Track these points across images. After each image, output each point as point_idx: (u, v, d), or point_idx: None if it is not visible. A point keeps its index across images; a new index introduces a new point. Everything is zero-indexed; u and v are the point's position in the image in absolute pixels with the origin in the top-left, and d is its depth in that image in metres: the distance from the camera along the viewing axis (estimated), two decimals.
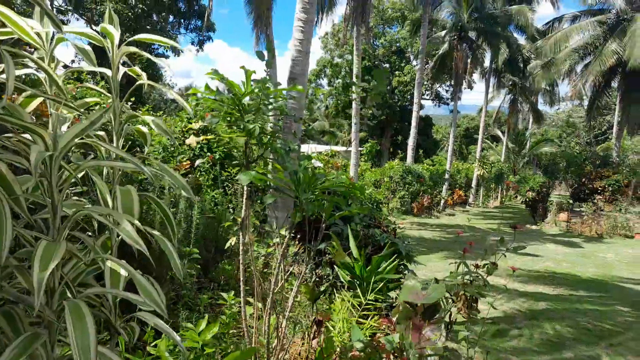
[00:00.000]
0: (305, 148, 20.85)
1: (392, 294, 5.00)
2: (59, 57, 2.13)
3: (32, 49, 2.08)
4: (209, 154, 6.89)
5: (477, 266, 4.63)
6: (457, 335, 3.97)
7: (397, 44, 40.53)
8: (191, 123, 7.13)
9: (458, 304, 4.59)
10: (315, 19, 14.67)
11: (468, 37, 22.88)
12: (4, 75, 1.84)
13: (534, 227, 17.22)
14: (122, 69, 2.16)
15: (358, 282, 4.43)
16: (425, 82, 37.16)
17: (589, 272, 9.32)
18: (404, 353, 3.42)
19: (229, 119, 2.94)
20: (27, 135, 1.75)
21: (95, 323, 1.55)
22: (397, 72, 39.52)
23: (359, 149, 19.27)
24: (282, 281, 3.40)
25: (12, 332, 1.64)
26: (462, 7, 22.62)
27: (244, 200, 3.15)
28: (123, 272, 1.88)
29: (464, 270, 4.45)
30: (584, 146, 29.50)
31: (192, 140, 4.01)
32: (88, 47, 2.19)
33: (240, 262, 3.11)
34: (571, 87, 23.75)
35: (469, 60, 23.11)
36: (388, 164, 21.82)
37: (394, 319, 3.87)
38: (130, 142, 6.11)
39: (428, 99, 45.26)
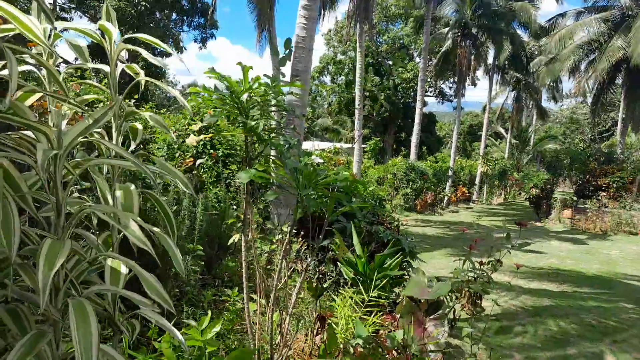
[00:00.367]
0: (309, 145, 20.85)
1: (396, 289, 5.01)
2: (63, 54, 2.13)
3: (32, 46, 2.08)
4: (212, 151, 6.90)
5: (481, 263, 4.63)
6: (461, 332, 3.97)
7: (401, 41, 40.40)
8: (194, 121, 7.14)
9: (462, 301, 4.59)
10: (318, 16, 14.68)
11: (471, 34, 22.80)
12: (4, 72, 1.85)
13: (537, 224, 17.18)
14: (121, 66, 2.16)
15: (361, 279, 4.43)
16: (429, 79, 37.11)
17: (593, 269, 9.29)
18: (407, 349, 3.43)
19: (229, 116, 2.94)
20: (28, 132, 1.75)
21: (98, 321, 1.56)
22: (400, 69, 39.41)
23: (362, 146, 19.27)
24: (285, 278, 3.40)
25: (19, 330, 1.65)
26: (465, 4, 22.55)
27: (246, 197, 3.16)
28: (124, 270, 1.88)
29: (468, 267, 4.44)
30: (588, 143, 29.39)
31: (192, 139, 4.01)
32: (83, 44, 2.19)
33: (243, 258, 3.12)
34: (575, 83, 23.66)
35: (472, 57, 23.03)
36: (391, 161, 21.80)
37: (398, 316, 3.87)
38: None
39: (431, 96, 45.14)
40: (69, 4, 23.80)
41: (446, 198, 21.92)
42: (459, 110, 24.97)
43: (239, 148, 7.28)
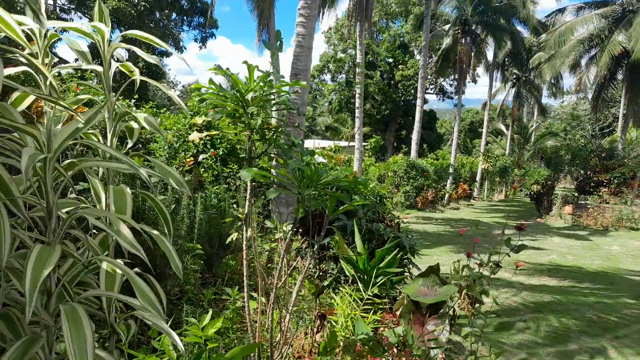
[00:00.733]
0: (309, 143, 20.86)
1: (397, 287, 5.01)
2: (63, 56, 2.12)
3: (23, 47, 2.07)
4: (212, 149, 6.91)
5: (480, 265, 4.61)
6: (461, 329, 3.97)
7: (401, 39, 40.37)
8: (193, 116, 7.14)
9: (462, 304, 4.59)
10: (318, 14, 14.66)
11: (472, 31, 22.76)
12: None
13: (539, 220, 17.17)
14: (114, 65, 2.11)
15: (361, 276, 4.44)
16: (429, 77, 37.07)
17: (594, 265, 9.29)
18: (407, 347, 3.44)
19: (232, 114, 2.94)
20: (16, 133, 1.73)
21: (93, 323, 1.54)
22: (400, 66, 39.39)
23: (363, 143, 19.27)
24: (286, 276, 3.41)
25: (12, 335, 1.64)
26: (465, 0, 22.51)
27: (247, 195, 3.16)
28: (119, 272, 1.86)
29: (467, 272, 4.43)
30: (589, 139, 29.33)
31: (195, 136, 3.97)
32: (83, 45, 2.17)
33: (243, 257, 3.12)
34: (576, 79, 23.60)
35: (472, 54, 22.99)
36: (392, 159, 21.79)
37: (397, 313, 3.88)
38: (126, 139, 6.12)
39: (432, 93, 45.12)
40: (68, 5, 23.80)
41: (447, 195, 21.90)
42: (460, 107, 24.94)
43: (238, 147, 7.29)
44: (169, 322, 1.92)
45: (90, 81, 7.14)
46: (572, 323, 5.60)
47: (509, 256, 4.16)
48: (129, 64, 2.16)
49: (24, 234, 1.70)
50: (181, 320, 3.30)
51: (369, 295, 4.02)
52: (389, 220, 6.05)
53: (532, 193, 18.96)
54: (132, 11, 22.76)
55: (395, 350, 3.34)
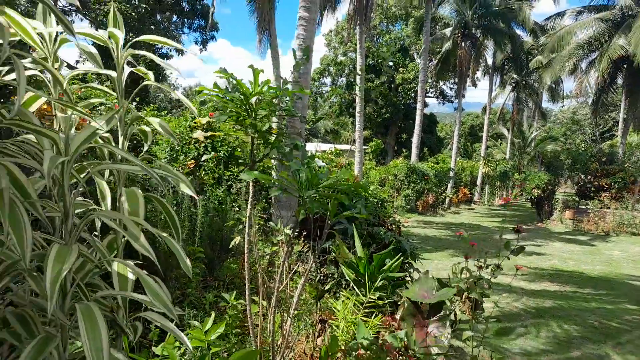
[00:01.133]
0: (310, 147, 20.86)
1: (398, 290, 4.99)
2: (62, 57, 2.12)
3: (33, 50, 2.08)
4: (213, 152, 6.90)
5: (480, 267, 4.60)
6: (462, 333, 3.96)
7: (401, 42, 40.46)
8: (195, 118, 7.14)
9: (463, 307, 4.56)
10: (318, 17, 14.68)
11: (471, 35, 22.81)
12: (7, 77, 1.85)
13: (539, 224, 17.15)
14: (127, 70, 2.14)
15: (362, 280, 4.42)
16: (430, 80, 37.12)
17: (595, 270, 9.28)
18: (409, 351, 3.42)
19: (236, 118, 2.94)
20: (30, 136, 1.74)
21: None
22: (401, 69, 39.45)
23: (364, 147, 19.27)
24: (287, 279, 3.39)
25: (27, 334, 1.65)
26: (465, 4, 22.57)
27: (249, 198, 3.15)
28: (130, 275, 1.88)
29: (467, 275, 4.41)
30: (590, 143, 29.34)
31: (199, 134, 3.98)
32: (94, 49, 2.18)
33: (245, 260, 3.11)
34: (576, 83, 23.62)
35: (472, 58, 23.04)
36: (392, 162, 21.81)
37: (398, 317, 3.86)
38: (135, 142, 6.12)
39: (432, 97, 45.17)
40: (69, 7, 23.84)
41: (447, 199, 21.90)
42: (460, 111, 24.96)
43: (239, 150, 7.28)
44: (173, 324, 1.92)
45: (92, 83, 7.14)
46: (573, 329, 5.57)
47: (509, 259, 4.16)
48: (142, 68, 2.17)
49: (40, 236, 1.72)
50: (183, 324, 3.29)
51: (370, 299, 4.01)
52: (389, 224, 6.04)
53: (532, 197, 18.95)
54: (133, 14, 22.80)
55: (396, 354, 3.32)
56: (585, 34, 21.30)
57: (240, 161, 6.73)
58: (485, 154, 26.89)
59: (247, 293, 3.09)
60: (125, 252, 2.13)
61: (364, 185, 3.00)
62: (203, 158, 5.05)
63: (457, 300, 4.22)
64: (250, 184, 3.02)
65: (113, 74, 2.08)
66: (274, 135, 3.06)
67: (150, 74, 2.23)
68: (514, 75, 28.40)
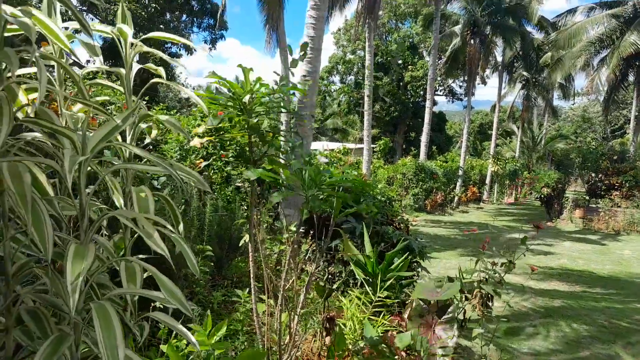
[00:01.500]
0: (318, 146, 20.86)
1: (406, 290, 4.99)
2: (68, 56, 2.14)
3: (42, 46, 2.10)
4: (221, 152, 6.93)
5: (493, 264, 4.58)
6: (471, 333, 3.95)
7: (410, 40, 40.28)
8: (199, 126, 7.17)
9: (473, 301, 4.54)
10: (327, 16, 14.66)
11: (481, 32, 22.64)
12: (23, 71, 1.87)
13: (549, 224, 17.03)
14: (136, 67, 2.15)
15: (370, 280, 4.43)
16: (439, 78, 36.95)
17: (605, 269, 9.19)
18: (416, 351, 3.42)
19: (230, 118, 2.97)
20: (36, 134, 1.76)
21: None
22: (410, 67, 39.27)
23: (372, 145, 19.23)
24: (294, 278, 3.41)
25: (40, 332, 1.68)
26: (475, 1, 22.42)
27: (251, 198, 3.18)
28: (139, 275, 1.90)
29: (480, 267, 4.40)
30: (601, 141, 29.03)
31: (196, 142, 4.01)
32: (96, 43, 2.21)
33: (250, 259, 3.13)
34: (588, 80, 23.37)
35: (481, 55, 22.88)
36: (401, 161, 21.73)
37: (406, 316, 3.86)
38: (137, 140, 6.16)
39: (441, 95, 44.96)
40: (80, 7, 24.03)
41: (456, 198, 21.79)
42: (469, 109, 24.81)
43: (247, 149, 7.30)
44: (179, 322, 1.93)
45: (99, 80, 7.20)
46: (582, 328, 5.54)
47: (524, 255, 4.14)
48: (152, 65, 2.19)
49: (59, 235, 1.75)
50: (191, 320, 3.31)
51: (378, 298, 4.01)
52: (397, 223, 6.03)
53: (542, 196, 18.80)
54: (143, 13, 22.92)
55: (403, 354, 3.33)
56: (596, 31, 21.07)
57: (241, 160, 6.75)
58: (494, 152, 26.71)
59: (253, 291, 3.11)
60: (132, 254, 2.15)
61: (370, 184, 3.00)
62: (211, 160, 5.09)
63: (467, 298, 4.21)
64: (253, 180, 3.04)
65: (122, 71, 2.09)
66: (272, 134, 3.08)
67: (161, 69, 2.23)
68: (524, 73, 28.17)
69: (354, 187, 2.77)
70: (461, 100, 44.05)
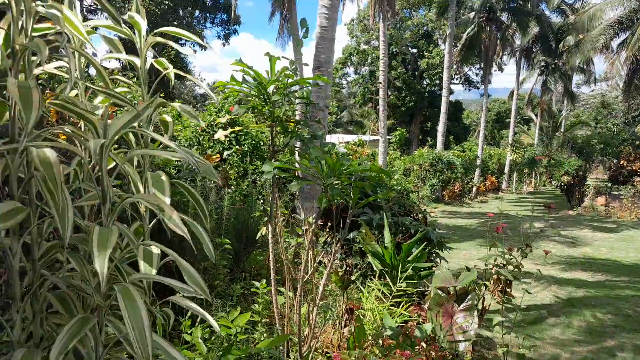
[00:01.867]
0: (334, 138, 20.80)
1: (425, 281, 4.95)
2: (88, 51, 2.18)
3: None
4: (237, 146, 6.96)
5: (510, 249, 4.52)
6: (491, 322, 3.91)
7: (425, 28, 39.77)
8: (219, 117, 7.20)
9: (491, 287, 4.49)
10: (340, 5, 14.53)
11: (497, 18, 22.24)
12: (48, 66, 1.92)
13: (570, 212, 16.74)
14: (150, 59, 2.20)
15: (389, 271, 4.40)
16: (455, 66, 36.44)
17: (629, 257, 9.01)
18: (436, 340, 3.39)
19: (255, 108, 2.95)
20: (63, 127, 1.80)
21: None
22: (426, 54, 38.76)
23: (388, 137, 19.09)
24: (312, 269, 3.40)
25: (67, 313, 1.72)
26: None
27: (273, 190, 3.17)
28: (156, 257, 1.91)
29: (497, 252, 4.34)
30: (622, 127, 28.38)
31: (220, 134, 4.00)
32: (116, 38, 2.25)
33: (270, 251, 3.13)
34: (608, 64, 22.79)
35: (498, 42, 22.50)
36: (417, 152, 21.56)
37: (426, 307, 3.83)
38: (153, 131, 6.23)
39: (458, 83, 44.35)
40: (95, 6, 24.27)
41: (474, 188, 21.56)
42: (486, 97, 24.47)
43: (262, 143, 7.31)
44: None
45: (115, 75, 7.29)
46: (607, 318, 5.43)
47: (540, 239, 4.06)
48: (163, 60, 2.22)
49: (81, 222, 1.80)
50: (212, 314, 3.33)
51: (397, 288, 3.99)
52: (415, 214, 5.98)
53: (562, 184, 18.47)
54: (156, 10, 23.05)
55: (423, 344, 3.31)
56: (615, 12, 20.50)
57: (262, 154, 6.76)
58: (512, 140, 26.31)
59: (272, 283, 3.12)
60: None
61: (388, 171, 2.97)
62: (225, 154, 5.10)
63: (483, 284, 4.16)
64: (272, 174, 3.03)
65: (137, 60, 2.14)
66: (294, 124, 3.06)
67: (170, 66, 2.27)
68: (543, 58, 27.60)
69: (371, 177, 2.75)
70: (478, 88, 43.41)
